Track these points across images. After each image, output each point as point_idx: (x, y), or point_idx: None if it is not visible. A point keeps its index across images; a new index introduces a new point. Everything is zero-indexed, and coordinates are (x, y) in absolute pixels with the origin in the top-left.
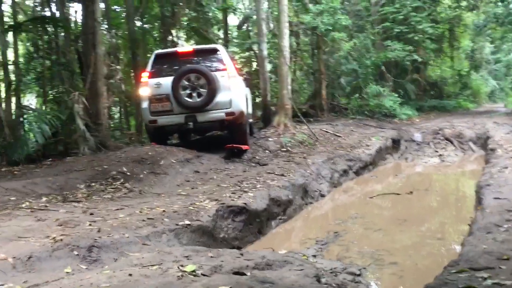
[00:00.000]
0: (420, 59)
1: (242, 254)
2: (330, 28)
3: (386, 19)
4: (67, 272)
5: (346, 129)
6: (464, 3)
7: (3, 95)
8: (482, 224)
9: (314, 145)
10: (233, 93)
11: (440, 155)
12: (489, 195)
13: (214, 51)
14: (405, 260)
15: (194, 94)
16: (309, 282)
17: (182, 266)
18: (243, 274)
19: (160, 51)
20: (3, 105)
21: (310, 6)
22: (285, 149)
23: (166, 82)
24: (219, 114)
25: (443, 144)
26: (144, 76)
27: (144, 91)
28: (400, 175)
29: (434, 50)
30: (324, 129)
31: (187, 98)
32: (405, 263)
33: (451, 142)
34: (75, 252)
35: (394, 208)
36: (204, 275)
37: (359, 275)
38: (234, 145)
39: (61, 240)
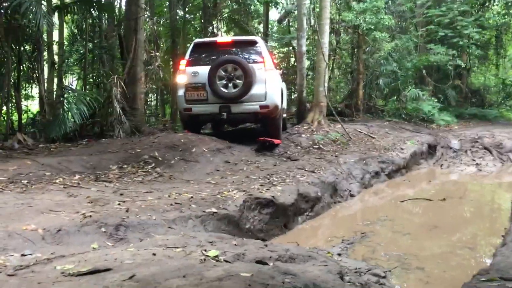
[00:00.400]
0: (463, 65)
1: (266, 245)
2: (372, 27)
3: (431, 21)
4: (94, 248)
5: (381, 131)
6: None
7: (46, 74)
8: None
9: (347, 145)
10: (269, 86)
11: (477, 164)
12: None
13: (253, 43)
14: (433, 267)
15: (230, 85)
16: (332, 279)
17: (205, 250)
18: (266, 264)
19: (199, 40)
20: (46, 84)
21: (353, 4)
22: (317, 146)
23: (203, 71)
24: (254, 106)
25: (481, 153)
26: (182, 64)
27: (181, 79)
28: (434, 181)
29: (479, 56)
30: (358, 129)
31: (222, 88)
32: (433, 270)
33: (490, 152)
34: (103, 229)
35: (425, 214)
36: (226, 261)
37: (384, 277)
38: (266, 138)
39: (90, 216)
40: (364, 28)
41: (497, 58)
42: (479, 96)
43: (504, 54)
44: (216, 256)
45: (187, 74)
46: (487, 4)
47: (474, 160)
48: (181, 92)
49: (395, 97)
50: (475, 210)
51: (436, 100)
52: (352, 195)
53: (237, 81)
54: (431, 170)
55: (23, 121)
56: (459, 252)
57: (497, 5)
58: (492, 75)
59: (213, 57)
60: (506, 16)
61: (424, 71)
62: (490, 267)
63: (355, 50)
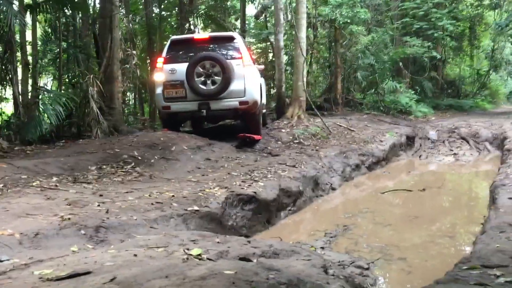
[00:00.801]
0: (438, 57)
1: (249, 242)
2: (349, 21)
3: (406, 14)
4: (73, 251)
5: (360, 123)
6: (486, 1)
7: (20, 75)
8: (495, 223)
9: (327, 138)
10: (248, 82)
11: (455, 154)
12: (504, 195)
13: (231, 39)
14: (414, 257)
15: (209, 82)
16: (316, 273)
17: (188, 249)
18: (249, 260)
19: (176, 37)
20: (19, 85)
21: None
22: (297, 141)
23: (181, 68)
24: (233, 102)
25: (458, 143)
26: (159, 61)
27: (159, 77)
28: (413, 172)
29: (453, 48)
30: (338, 123)
31: (201, 85)
32: (414, 260)
33: (467, 142)
34: (82, 232)
35: (406, 205)
36: (209, 259)
37: (367, 268)
38: (247, 134)
39: (69, 219)
40: (341, 22)
41: (471, 49)
42: (455, 87)
43: (478, 45)
44: (199, 255)
45: (165, 71)
46: None
47: (451, 150)
48: (159, 90)
49: (373, 90)
50: (454, 199)
51: (413, 92)
52: (333, 189)
53: (216, 77)
54: (410, 161)
55: None
56: (439, 241)
57: None
58: (467, 66)
59: (191, 54)
60: (479, 8)
61: (400, 64)
62: (471, 255)
63: (333, 44)
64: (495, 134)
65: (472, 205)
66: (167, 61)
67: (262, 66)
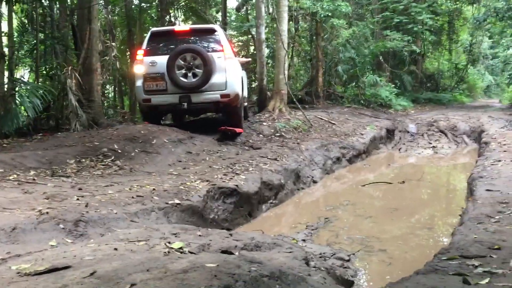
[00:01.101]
0: (418, 51)
1: (231, 235)
2: (330, 14)
3: (386, 8)
4: (52, 245)
5: (341, 117)
6: None
7: None
8: (473, 214)
9: (308, 132)
10: (229, 75)
11: (434, 147)
12: (482, 187)
13: (212, 31)
14: (394, 249)
15: (190, 74)
16: (298, 265)
17: (169, 243)
18: (231, 253)
19: (156, 29)
20: None
21: None
22: (279, 134)
23: (161, 60)
24: (214, 95)
25: (437, 136)
26: (139, 53)
27: (139, 69)
28: (393, 165)
29: (432, 42)
30: (319, 116)
31: (182, 78)
32: (394, 251)
33: (445, 135)
34: (61, 226)
35: (386, 197)
36: (191, 252)
37: (348, 260)
38: (228, 128)
39: (47, 213)
40: (322, 15)
41: (450, 44)
42: (434, 81)
43: (457, 39)
44: (181, 248)
45: (145, 64)
46: None
47: (430, 143)
48: (139, 82)
49: (354, 83)
50: (433, 191)
51: (393, 85)
52: (314, 181)
53: (197, 70)
54: (390, 154)
55: None
56: (418, 233)
57: None
58: (446, 60)
59: (172, 46)
60: (457, 2)
61: (381, 57)
62: (450, 246)
63: (314, 37)
64: (473, 127)
65: (451, 197)
66: (147, 53)
67: (248, 59)
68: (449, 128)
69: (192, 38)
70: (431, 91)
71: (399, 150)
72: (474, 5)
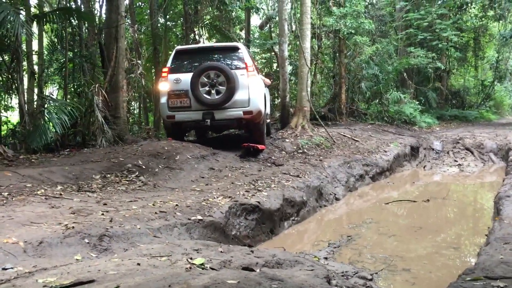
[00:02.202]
0: (443, 67)
1: (252, 252)
2: (353, 31)
3: (410, 25)
4: (77, 259)
5: (364, 134)
6: (491, 13)
7: (26, 84)
8: (500, 234)
9: (331, 148)
10: (252, 92)
11: (460, 164)
12: (509, 206)
13: (235, 49)
14: (419, 268)
15: (213, 91)
16: (319, 283)
17: (191, 258)
18: (252, 270)
19: (180, 47)
20: (25, 94)
21: (334, 8)
22: (301, 151)
23: (186, 78)
24: (237, 112)
25: (462, 154)
26: (164, 71)
27: (163, 86)
28: (417, 182)
29: (458, 58)
30: (342, 133)
31: (205, 95)
32: (419, 271)
33: (471, 152)
34: (86, 240)
35: (410, 215)
36: (212, 268)
37: (370, 279)
38: (251, 144)
39: (73, 227)
40: (345, 33)
41: (476, 60)
42: (459, 98)
43: (482, 56)
44: (202, 264)
45: (170, 81)
46: (464, 7)
47: (456, 161)
48: (163, 99)
49: (377, 100)
50: (459, 210)
51: (417, 102)
52: (337, 199)
53: (220, 87)
54: (414, 172)
55: (3, 132)
56: (444, 253)
57: (474, 7)
58: (471, 77)
59: (195, 64)
60: (483, 19)
61: (405, 74)
62: (475, 267)
63: (337, 54)
64: (500, 145)
65: (477, 216)
66: (172, 70)
67: (269, 81)
68: (475, 145)
69: (215, 55)
70: (456, 108)
71: (424, 167)
72: (500, 21)
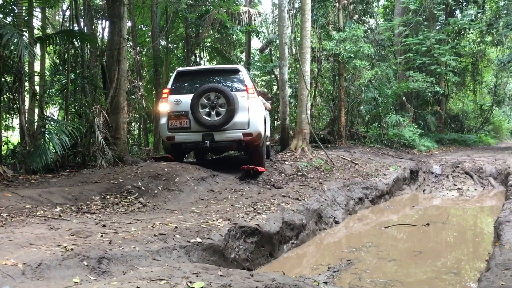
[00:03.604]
0: (441, 91)
1: (252, 275)
2: (352, 55)
3: (409, 49)
4: (75, 282)
5: (364, 157)
6: (488, 38)
7: (27, 105)
8: (500, 260)
9: (331, 171)
10: (252, 114)
11: (459, 188)
12: (509, 232)
13: (236, 71)
14: None
15: (213, 113)
16: None
17: (190, 282)
18: None
19: (181, 68)
20: (26, 114)
21: (333, 33)
22: (301, 174)
23: (186, 99)
24: (237, 134)
25: (462, 178)
26: (165, 92)
27: (163, 107)
28: (417, 206)
29: (456, 83)
30: (342, 156)
31: (205, 117)
32: None
33: (471, 177)
34: (85, 263)
35: (410, 239)
36: None
37: None
38: (250, 166)
39: (72, 249)
40: (345, 56)
41: (474, 85)
42: (458, 122)
43: (481, 80)
44: None
45: (170, 102)
46: (462, 32)
47: (455, 185)
48: (163, 120)
49: (377, 123)
50: (459, 234)
51: (416, 126)
52: (336, 222)
53: (220, 109)
54: (414, 195)
55: (3, 153)
56: (444, 277)
57: (472, 33)
58: (470, 101)
59: (196, 86)
60: (481, 44)
61: (404, 98)
62: None
63: (336, 77)
64: (499, 169)
65: (477, 241)
66: (172, 92)
67: (269, 106)
68: (474, 169)
69: (216, 77)
70: (455, 131)
71: (423, 191)
72: (498, 46)
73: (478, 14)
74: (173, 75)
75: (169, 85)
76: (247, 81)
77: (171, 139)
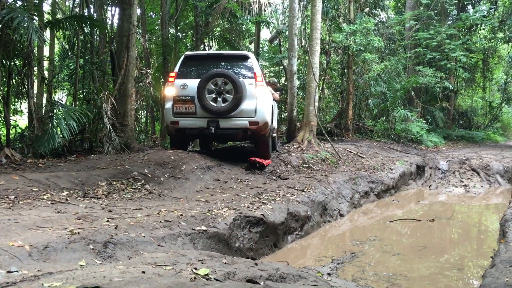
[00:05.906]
0: (451, 87)
1: (256, 264)
2: (362, 48)
3: (419, 44)
4: (81, 265)
5: (370, 151)
6: (500, 35)
7: (36, 89)
8: (505, 257)
9: (337, 164)
10: (259, 102)
11: (465, 185)
12: None
13: (245, 58)
14: None
15: (219, 99)
16: None
17: (195, 269)
18: (256, 283)
19: (190, 53)
20: (35, 99)
21: (344, 25)
22: (307, 165)
23: (192, 84)
24: (243, 122)
25: (468, 175)
26: (171, 75)
27: (169, 91)
28: (422, 202)
29: (466, 79)
30: (348, 149)
31: (211, 102)
32: None
33: (478, 173)
34: (91, 246)
35: (414, 234)
36: (216, 279)
37: None
38: (257, 159)
39: (78, 233)
40: (354, 49)
41: (484, 81)
42: (467, 118)
43: (491, 77)
44: (207, 275)
45: (176, 86)
46: (474, 28)
47: (462, 181)
48: (168, 104)
49: (384, 117)
50: (463, 231)
51: (424, 121)
52: (341, 215)
53: (227, 95)
54: (419, 191)
55: (11, 136)
56: (447, 273)
57: (484, 29)
58: (479, 98)
59: (204, 71)
60: (492, 40)
61: (412, 93)
62: None
63: (345, 70)
64: (507, 167)
65: (482, 238)
66: (179, 76)
67: (278, 96)
68: (481, 167)
69: (224, 63)
70: (463, 128)
71: (429, 187)
72: (510, 43)
73: (491, 10)
74: (181, 58)
75: (176, 69)
76: (256, 69)
77: (176, 124)
